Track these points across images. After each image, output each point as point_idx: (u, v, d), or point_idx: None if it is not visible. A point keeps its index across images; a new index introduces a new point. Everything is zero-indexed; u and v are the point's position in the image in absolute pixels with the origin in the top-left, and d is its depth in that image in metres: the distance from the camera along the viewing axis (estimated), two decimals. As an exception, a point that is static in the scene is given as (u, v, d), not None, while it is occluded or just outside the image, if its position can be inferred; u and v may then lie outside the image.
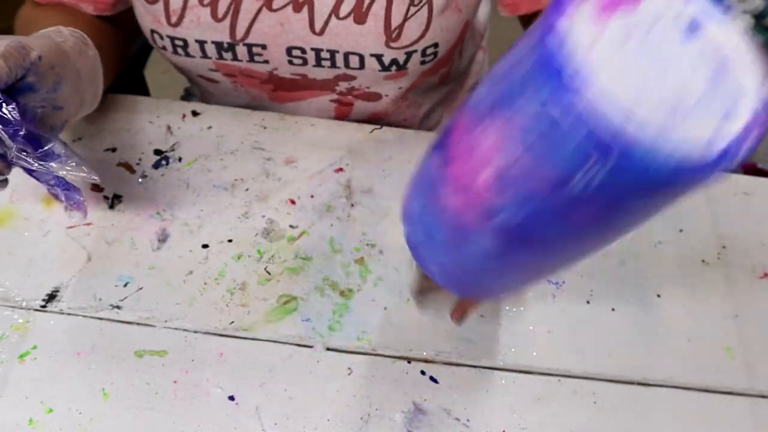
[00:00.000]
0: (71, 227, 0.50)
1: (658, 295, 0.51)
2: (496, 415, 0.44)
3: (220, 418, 0.42)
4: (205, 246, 0.50)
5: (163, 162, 0.55)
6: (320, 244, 0.51)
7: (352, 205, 0.54)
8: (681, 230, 0.55)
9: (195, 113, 0.58)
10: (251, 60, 0.54)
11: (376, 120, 0.62)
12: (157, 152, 0.55)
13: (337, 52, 0.52)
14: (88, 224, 0.51)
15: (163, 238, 0.50)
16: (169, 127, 0.57)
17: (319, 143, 0.57)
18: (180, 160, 0.55)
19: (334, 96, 0.59)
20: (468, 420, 0.44)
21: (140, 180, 0.53)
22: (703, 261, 0.53)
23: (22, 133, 0.38)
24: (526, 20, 0.55)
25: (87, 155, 0.54)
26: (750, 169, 1.47)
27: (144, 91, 0.81)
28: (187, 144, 0.56)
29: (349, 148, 0.57)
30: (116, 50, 0.56)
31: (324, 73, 0.55)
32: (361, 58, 0.52)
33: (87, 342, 0.45)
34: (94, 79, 0.48)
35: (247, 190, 0.53)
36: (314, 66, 0.54)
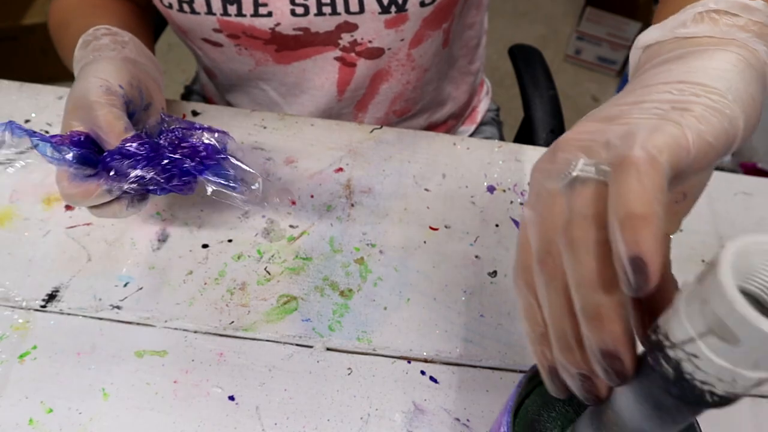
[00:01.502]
0: (71, 227, 0.50)
1: (658, 295, 0.51)
2: (496, 415, 0.44)
3: (220, 417, 0.42)
4: (205, 246, 0.50)
5: (163, 162, 0.55)
6: (320, 244, 0.51)
7: (352, 205, 0.54)
8: (681, 230, 0.55)
9: (195, 113, 0.58)
10: (255, 13, 0.54)
11: (379, 81, 0.62)
12: (157, 152, 0.55)
13: None
14: (88, 224, 0.51)
15: (163, 238, 0.50)
16: (169, 127, 0.57)
17: (319, 143, 0.57)
18: (180, 160, 0.55)
19: (338, 53, 0.59)
20: (468, 420, 0.44)
21: (140, 180, 0.53)
22: (703, 261, 0.53)
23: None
24: None
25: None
26: (750, 169, 1.47)
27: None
28: (187, 144, 0.56)
29: (349, 148, 0.57)
30: (149, 17, 0.60)
31: (326, 24, 0.55)
32: None
33: (87, 342, 0.45)
34: (150, 59, 0.52)
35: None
36: (315, 15, 0.54)
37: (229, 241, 0.51)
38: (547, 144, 0.74)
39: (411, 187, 0.55)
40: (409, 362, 0.46)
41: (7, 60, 1.54)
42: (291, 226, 0.52)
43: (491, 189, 0.56)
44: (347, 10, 0.54)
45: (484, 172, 0.57)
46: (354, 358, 0.46)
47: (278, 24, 0.55)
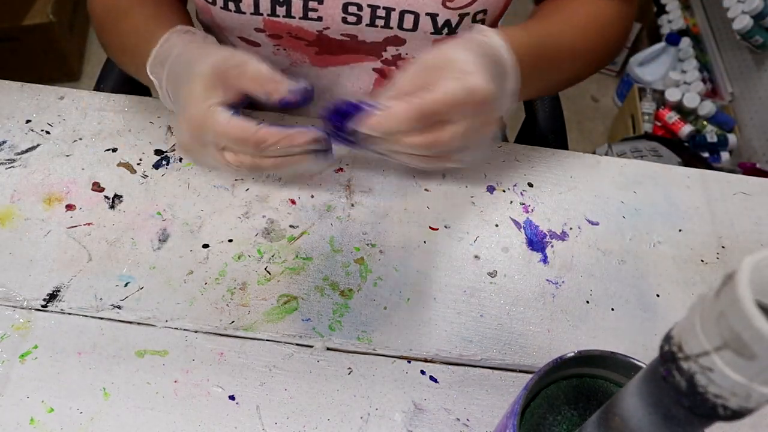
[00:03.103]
0: (72, 227, 0.50)
1: (658, 295, 0.51)
2: (496, 415, 0.44)
3: (220, 417, 0.43)
4: (205, 246, 0.50)
5: (164, 162, 0.55)
6: (320, 244, 0.51)
7: (352, 205, 0.54)
8: (680, 230, 0.55)
9: (195, 113, 0.58)
10: (304, 16, 0.53)
11: None
12: (158, 152, 0.55)
13: (394, 9, 0.52)
14: (89, 224, 0.51)
15: (163, 238, 0.50)
16: (169, 127, 0.57)
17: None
18: (180, 160, 0.55)
19: (378, 64, 0.59)
20: (468, 420, 0.44)
21: (141, 180, 0.54)
22: (702, 261, 0.53)
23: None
24: None
25: (87, 155, 0.55)
26: (749, 169, 1.47)
27: (145, 91, 0.81)
28: (188, 144, 0.56)
29: (349, 148, 0.57)
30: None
31: (375, 35, 0.55)
32: (416, 17, 0.53)
33: (88, 342, 0.45)
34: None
35: (247, 190, 0.54)
36: (367, 25, 0.54)
37: (230, 241, 0.51)
38: (548, 146, 0.74)
39: (411, 187, 0.55)
40: (409, 362, 0.46)
41: (8, 60, 1.54)
42: (291, 226, 0.52)
43: (491, 189, 0.56)
44: (400, 26, 0.54)
45: (484, 172, 0.57)
46: (354, 357, 0.46)
47: (327, 28, 0.55)
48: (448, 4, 0.52)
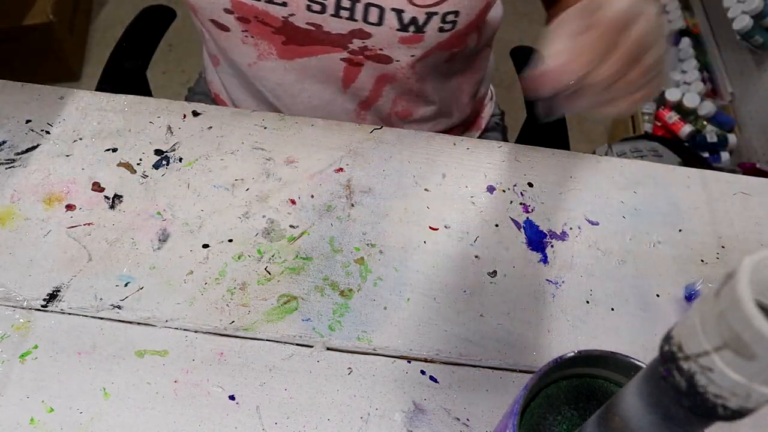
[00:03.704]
0: (72, 227, 0.50)
1: (658, 295, 0.51)
2: (496, 415, 0.44)
3: (220, 417, 0.43)
4: (205, 246, 0.50)
5: (164, 162, 0.55)
6: (320, 244, 0.51)
7: (352, 205, 0.54)
8: (680, 230, 0.55)
9: (195, 113, 0.58)
10: (270, 1, 0.53)
11: (384, 83, 0.62)
12: (158, 152, 0.55)
13: (359, 1, 0.52)
14: (89, 224, 0.51)
15: (163, 238, 0.50)
16: (169, 128, 0.57)
17: (319, 143, 0.57)
18: (180, 160, 0.55)
19: (345, 54, 0.59)
20: (468, 420, 0.44)
21: (141, 180, 0.54)
22: (702, 261, 0.53)
23: None
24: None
25: (87, 155, 0.55)
26: (749, 169, 1.47)
27: (146, 91, 0.81)
28: (188, 144, 0.56)
29: (349, 148, 0.57)
30: None
31: (340, 26, 0.54)
32: (382, 11, 0.52)
33: (88, 342, 0.45)
34: None
35: (247, 190, 0.54)
36: (332, 15, 0.53)
37: (230, 241, 0.51)
38: (548, 145, 0.74)
39: (411, 187, 0.55)
40: (409, 362, 0.46)
41: (9, 60, 1.54)
42: (291, 226, 0.52)
43: (491, 189, 0.56)
44: (365, 19, 0.53)
45: (484, 172, 0.57)
46: (354, 357, 0.46)
47: (292, 15, 0.54)
48: (415, 1, 0.51)
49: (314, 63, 0.60)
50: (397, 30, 0.53)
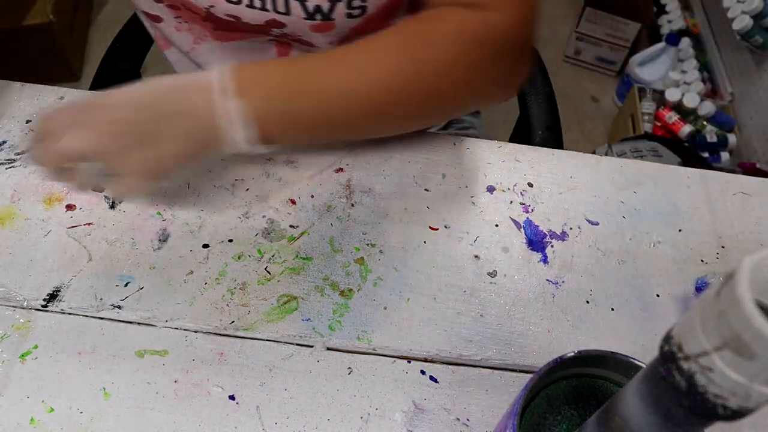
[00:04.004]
0: (72, 227, 0.50)
1: (658, 295, 0.51)
2: (496, 415, 0.44)
3: (220, 417, 0.43)
4: (205, 246, 0.50)
5: (164, 162, 0.55)
6: (320, 244, 0.51)
7: (352, 205, 0.54)
8: (680, 230, 0.55)
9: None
10: None
11: None
12: (158, 152, 0.55)
13: None
14: (89, 224, 0.51)
15: (163, 238, 0.50)
16: (169, 128, 0.57)
17: (319, 143, 0.57)
18: (180, 160, 0.55)
19: (272, 37, 0.59)
20: (468, 420, 0.44)
21: (141, 180, 0.53)
22: (702, 261, 0.53)
23: None
24: None
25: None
26: (749, 169, 1.47)
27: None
28: (188, 144, 0.56)
29: (349, 148, 0.57)
30: None
31: (256, 17, 0.54)
32: (286, 1, 0.52)
33: (88, 342, 0.45)
34: None
35: (247, 190, 0.54)
36: (247, 6, 0.53)
37: (230, 241, 0.51)
38: (543, 141, 0.74)
39: (411, 187, 0.55)
40: (409, 362, 0.46)
41: (9, 60, 1.54)
42: (291, 226, 0.52)
43: (491, 189, 0.56)
44: (275, 9, 0.53)
45: (484, 172, 0.57)
46: (354, 357, 0.46)
47: (212, 6, 0.54)
48: None
49: (246, 45, 0.60)
50: (305, 19, 0.53)
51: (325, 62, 0.48)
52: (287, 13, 0.53)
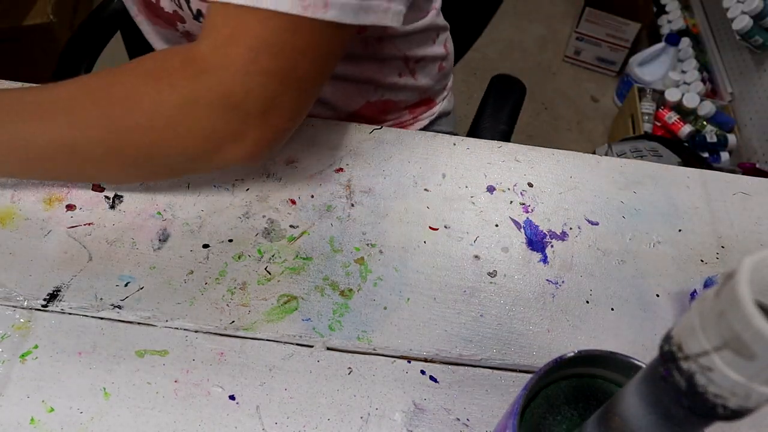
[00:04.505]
0: (72, 227, 0.50)
1: (658, 295, 0.51)
2: (496, 415, 0.44)
3: (220, 417, 0.43)
4: (205, 246, 0.50)
5: (164, 162, 0.55)
6: (320, 244, 0.51)
7: (352, 205, 0.54)
8: (680, 230, 0.55)
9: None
10: None
11: None
12: (158, 152, 0.55)
13: None
14: (89, 224, 0.51)
15: (163, 238, 0.50)
16: (169, 128, 0.57)
17: (319, 143, 0.57)
18: (180, 160, 0.55)
19: (181, 33, 0.59)
20: (468, 420, 0.44)
21: (141, 180, 0.53)
22: (702, 261, 0.53)
23: None
24: None
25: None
26: (749, 169, 1.47)
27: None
28: (188, 144, 0.56)
29: (349, 148, 0.57)
30: None
31: (166, 4, 0.55)
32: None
33: (88, 341, 0.45)
34: None
35: (247, 190, 0.54)
36: None
37: (230, 241, 0.51)
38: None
39: (411, 187, 0.55)
40: (409, 362, 0.46)
41: (8, 60, 1.54)
42: (291, 226, 0.52)
43: (491, 189, 0.56)
44: (177, 2, 0.53)
45: (484, 172, 0.57)
46: (354, 357, 0.46)
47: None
48: None
49: (169, 34, 0.61)
50: (193, 19, 0.53)
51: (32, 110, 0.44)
52: (181, 8, 0.54)
